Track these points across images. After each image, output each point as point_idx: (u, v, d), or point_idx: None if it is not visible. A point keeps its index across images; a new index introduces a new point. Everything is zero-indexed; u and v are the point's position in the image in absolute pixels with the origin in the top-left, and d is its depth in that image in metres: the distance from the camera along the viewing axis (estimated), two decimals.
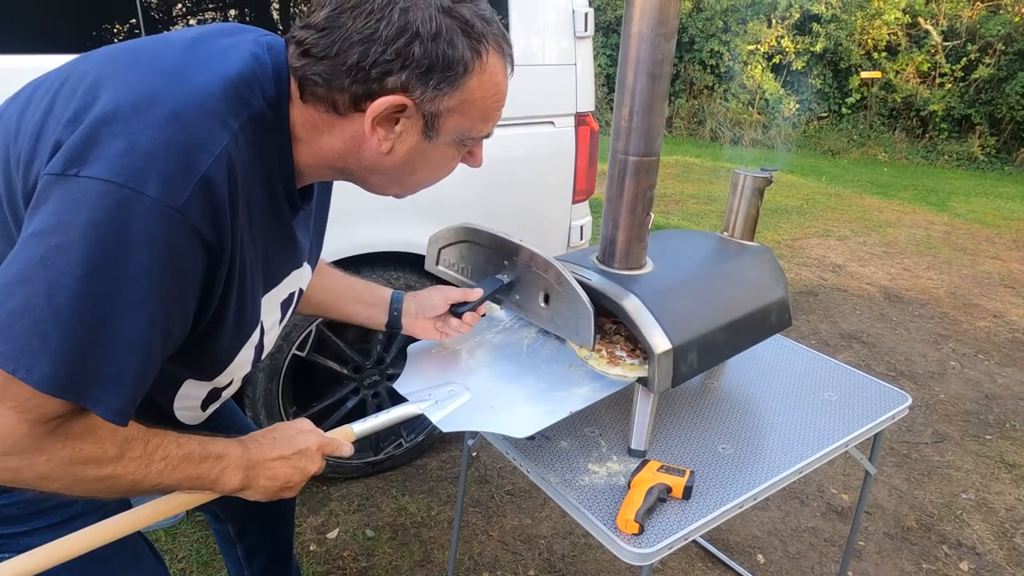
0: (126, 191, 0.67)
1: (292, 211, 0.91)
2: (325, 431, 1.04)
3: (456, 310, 1.27)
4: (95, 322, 0.69)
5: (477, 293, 1.26)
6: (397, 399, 1.26)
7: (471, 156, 0.94)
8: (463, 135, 0.87)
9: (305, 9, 0.81)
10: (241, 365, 0.98)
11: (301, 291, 1.08)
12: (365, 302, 1.28)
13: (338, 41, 0.76)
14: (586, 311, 1.17)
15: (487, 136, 0.91)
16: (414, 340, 1.36)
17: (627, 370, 1.25)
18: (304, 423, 1.01)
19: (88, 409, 0.72)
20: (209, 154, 0.72)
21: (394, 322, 1.28)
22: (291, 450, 0.94)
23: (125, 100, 0.71)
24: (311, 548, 2.13)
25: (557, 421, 1.15)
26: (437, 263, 1.42)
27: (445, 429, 1.15)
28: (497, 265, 1.29)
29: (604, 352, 1.27)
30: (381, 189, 0.93)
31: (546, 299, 1.23)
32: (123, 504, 0.94)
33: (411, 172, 0.90)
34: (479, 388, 1.24)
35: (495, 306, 1.41)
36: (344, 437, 1.06)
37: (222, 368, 0.96)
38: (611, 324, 1.39)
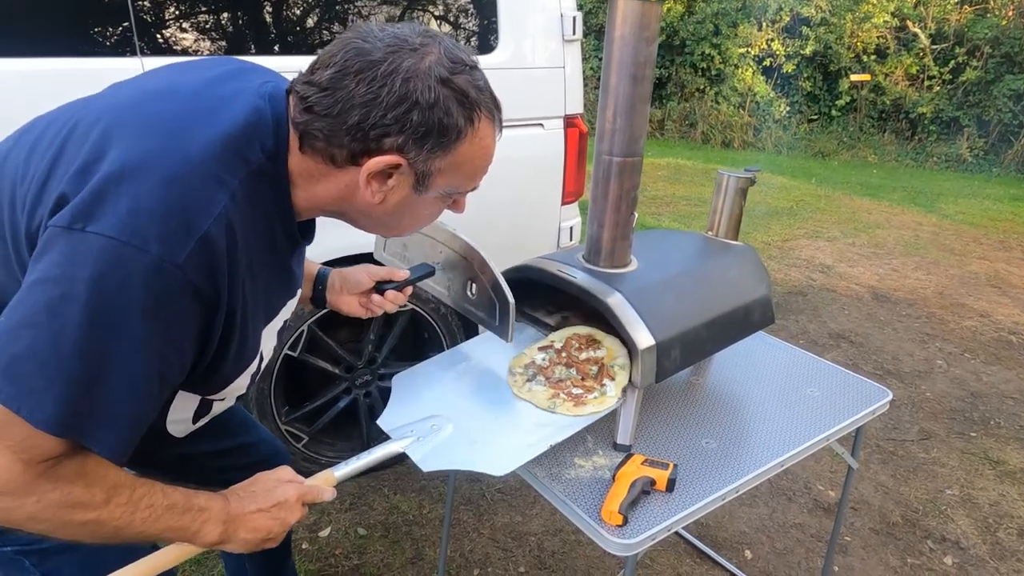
0: (129, 248, 0.71)
1: (292, 248, 0.96)
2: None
3: (381, 286, 1.28)
4: (97, 367, 0.72)
5: (404, 273, 1.29)
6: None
7: (455, 204, 0.99)
8: (451, 190, 0.93)
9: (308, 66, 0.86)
10: (237, 388, 1.02)
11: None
12: None
13: (340, 102, 0.80)
14: (506, 302, 1.21)
15: (473, 190, 0.96)
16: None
17: (596, 405, 1.27)
18: (285, 472, 1.02)
19: (87, 448, 0.75)
20: (209, 215, 0.76)
21: (318, 295, 1.29)
22: (270, 502, 0.96)
23: (129, 160, 0.75)
24: (303, 547, 2.14)
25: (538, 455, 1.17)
26: (384, 250, 1.46)
27: (425, 469, 1.15)
28: (435, 255, 1.33)
29: (562, 395, 1.30)
30: (369, 230, 0.99)
31: (472, 289, 1.27)
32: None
33: (399, 220, 0.96)
34: (461, 420, 1.25)
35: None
36: (325, 482, 1.07)
37: (219, 391, 0.99)
38: (541, 353, 1.39)
